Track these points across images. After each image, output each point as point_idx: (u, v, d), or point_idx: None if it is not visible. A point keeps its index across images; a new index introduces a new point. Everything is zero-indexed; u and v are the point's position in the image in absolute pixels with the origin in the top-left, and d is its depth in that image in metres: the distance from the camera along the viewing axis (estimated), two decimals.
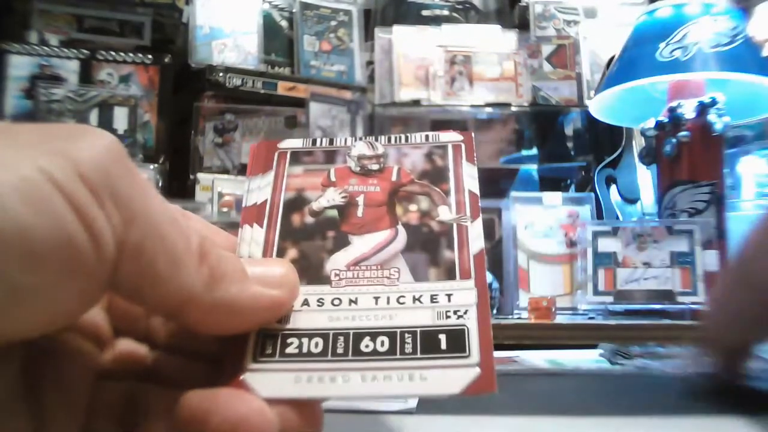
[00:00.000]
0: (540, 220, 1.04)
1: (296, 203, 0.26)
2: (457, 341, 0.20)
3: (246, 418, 0.18)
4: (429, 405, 0.39)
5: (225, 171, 1.20)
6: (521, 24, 1.42)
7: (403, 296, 0.22)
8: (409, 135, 0.28)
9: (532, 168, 1.25)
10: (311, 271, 0.23)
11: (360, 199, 0.26)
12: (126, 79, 1.19)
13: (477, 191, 0.25)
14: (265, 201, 0.26)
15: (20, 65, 1.12)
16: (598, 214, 1.08)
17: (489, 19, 1.43)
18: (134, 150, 1.15)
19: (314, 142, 0.28)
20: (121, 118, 1.16)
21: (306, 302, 0.22)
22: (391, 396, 0.20)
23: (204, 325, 0.20)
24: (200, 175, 1.18)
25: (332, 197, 0.25)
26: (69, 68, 1.15)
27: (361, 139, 0.28)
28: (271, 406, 0.19)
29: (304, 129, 1.24)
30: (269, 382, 0.20)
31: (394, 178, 0.26)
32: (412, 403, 0.39)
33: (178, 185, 1.18)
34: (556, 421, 0.35)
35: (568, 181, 1.24)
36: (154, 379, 0.22)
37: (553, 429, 0.35)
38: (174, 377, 0.22)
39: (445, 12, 1.42)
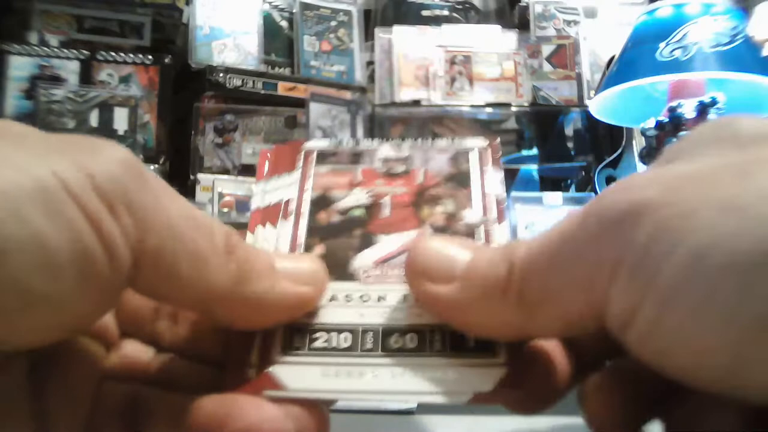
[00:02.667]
0: (540, 220, 1.04)
1: (323, 201, 0.26)
2: (485, 340, 0.20)
3: (263, 424, 0.18)
4: (429, 405, 0.39)
5: (225, 171, 1.20)
6: (521, 24, 1.42)
7: None
8: (435, 139, 0.28)
9: (533, 168, 1.25)
10: (339, 268, 0.23)
11: (386, 200, 0.26)
12: (126, 80, 1.19)
13: (503, 196, 0.25)
14: (291, 198, 0.26)
15: (20, 66, 1.12)
16: None
17: (489, 19, 1.43)
18: (134, 151, 1.15)
19: (340, 143, 0.28)
20: (121, 118, 1.16)
21: (334, 298, 0.22)
22: (420, 393, 0.20)
23: (231, 321, 0.20)
24: (201, 176, 1.18)
25: (359, 197, 0.25)
26: (69, 69, 1.15)
27: (387, 141, 0.28)
28: (286, 411, 0.19)
29: (304, 129, 1.24)
30: (298, 375, 0.20)
31: (419, 180, 0.26)
32: (412, 403, 0.39)
33: (179, 186, 1.18)
34: (556, 421, 0.35)
35: (569, 181, 1.24)
36: (159, 382, 0.22)
37: (552, 429, 0.35)
38: (179, 380, 0.22)
39: (445, 12, 1.42)
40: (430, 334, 0.21)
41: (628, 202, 0.17)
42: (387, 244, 0.24)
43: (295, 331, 0.21)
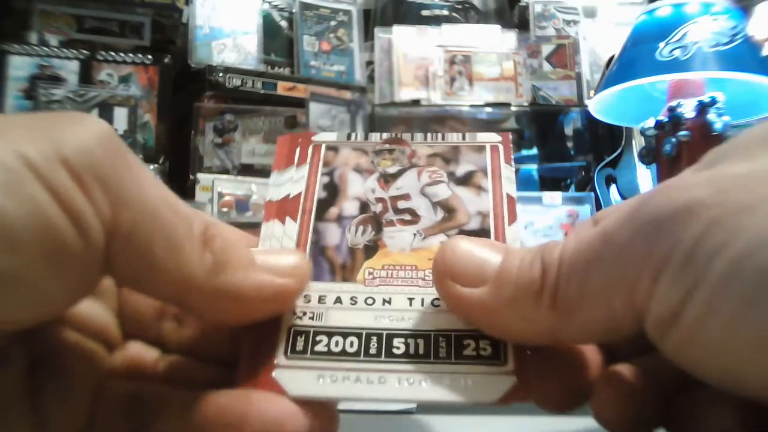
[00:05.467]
0: (540, 220, 1.05)
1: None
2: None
3: (281, 421, 0.18)
4: (429, 405, 0.39)
5: (225, 171, 1.20)
6: (521, 24, 1.42)
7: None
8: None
9: (532, 168, 1.25)
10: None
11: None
12: (126, 80, 1.19)
13: (515, 194, 0.25)
14: (299, 194, 0.25)
15: (20, 66, 1.12)
16: None
17: (489, 19, 1.43)
18: (134, 150, 1.14)
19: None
20: (120, 118, 1.16)
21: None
22: (427, 402, 0.19)
23: (208, 312, 0.20)
24: (200, 176, 1.18)
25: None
26: (69, 68, 1.15)
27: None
28: (302, 407, 0.18)
29: (304, 129, 1.24)
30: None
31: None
32: (412, 403, 0.39)
33: (178, 185, 1.18)
34: (557, 421, 0.35)
35: (568, 181, 1.25)
36: (164, 381, 0.22)
37: (553, 429, 0.35)
38: (185, 379, 0.22)
39: (445, 12, 1.42)
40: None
41: (678, 201, 0.16)
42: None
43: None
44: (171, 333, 0.23)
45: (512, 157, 0.26)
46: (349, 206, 0.25)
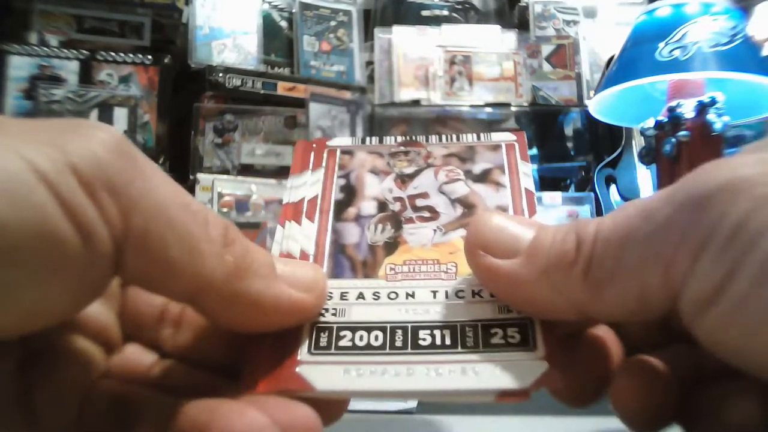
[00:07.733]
0: (540, 220, 1.04)
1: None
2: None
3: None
4: (429, 405, 0.39)
5: (225, 171, 1.20)
6: (521, 24, 1.42)
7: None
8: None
9: (532, 168, 1.25)
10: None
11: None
12: (126, 80, 1.19)
13: (532, 188, 0.25)
14: (316, 196, 0.25)
15: (20, 66, 1.12)
16: (598, 214, 1.08)
17: (489, 19, 1.43)
18: None
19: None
20: (120, 118, 1.16)
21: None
22: (457, 391, 0.19)
23: (223, 318, 0.19)
24: (200, 176, 1.18)
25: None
26: (69, 69, 1.15)
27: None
28: (272, 417, 0.17)
29: (304, 129, 1.24)
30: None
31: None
32: (412, 403, 0.39)
33: None
34: (557, 421, 0.35)
35: (568, 181, 1.24)
36: (158, 386, 0.22)
37: (553, 429, 0.35)
38: (178, 385, 0.21)
39: (445, 12, 1.42)
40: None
41: (723, 179, 0.16)
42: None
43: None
44: (168, 338, 0.22)
45: (528, 154, 0.26)
46: (367, 206, 0.25)
